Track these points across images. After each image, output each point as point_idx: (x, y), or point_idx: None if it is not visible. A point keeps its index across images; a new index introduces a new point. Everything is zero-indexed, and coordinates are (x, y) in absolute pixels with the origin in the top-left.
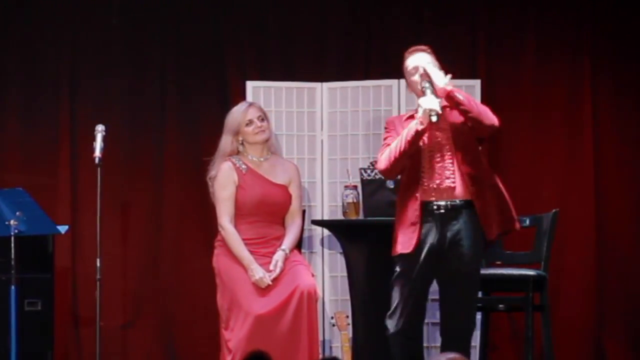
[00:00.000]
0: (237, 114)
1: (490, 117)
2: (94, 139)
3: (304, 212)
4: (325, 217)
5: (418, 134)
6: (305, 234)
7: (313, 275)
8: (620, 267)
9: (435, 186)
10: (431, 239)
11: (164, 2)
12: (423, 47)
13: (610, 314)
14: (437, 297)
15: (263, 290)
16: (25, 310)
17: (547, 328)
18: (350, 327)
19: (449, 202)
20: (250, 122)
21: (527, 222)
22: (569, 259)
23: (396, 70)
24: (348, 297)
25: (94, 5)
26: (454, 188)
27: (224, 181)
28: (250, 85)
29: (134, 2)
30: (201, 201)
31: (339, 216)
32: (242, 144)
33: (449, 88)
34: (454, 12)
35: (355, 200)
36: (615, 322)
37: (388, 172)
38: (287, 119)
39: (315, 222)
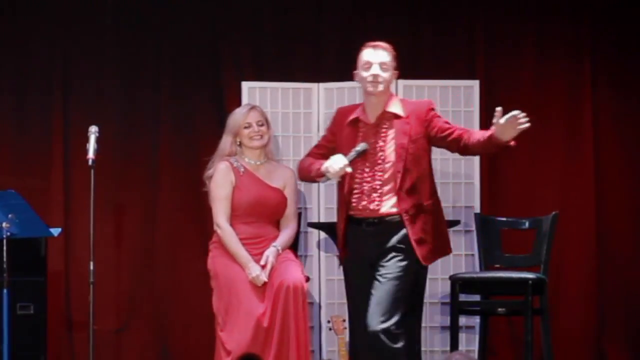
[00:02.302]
0: (238, 115)
1: None
2: (87, 140)
3: (299, 214)
4: (322, 220)
5: (311, 179)
6: (302, 237)
7: (308, 280)
8: (621, 270)
9: (358, 202)
10: (359, 251)
11: (158, 3)
12: (386, 46)
13: (610, 317)
14: (434, 300)
15: (259, 289)
16: (17, 314)
17: (547, 332)
18: (347, 331)
19: (372, 219)
20: (249, 125)
21: (527, 224)
22: (569, 262)
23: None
24: (345, 300)
25: (87, 5)
26: (371, 207)
27: (221, 181)
28: (245, 85)
29: (128, 3)
30: (196, 203)
31: (336, 218)
32: (240, 145)
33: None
34: (451, 11)
35: None
36: (615, 326)
37: (301, 180)
38: (283, 120)
39: (312, 225)
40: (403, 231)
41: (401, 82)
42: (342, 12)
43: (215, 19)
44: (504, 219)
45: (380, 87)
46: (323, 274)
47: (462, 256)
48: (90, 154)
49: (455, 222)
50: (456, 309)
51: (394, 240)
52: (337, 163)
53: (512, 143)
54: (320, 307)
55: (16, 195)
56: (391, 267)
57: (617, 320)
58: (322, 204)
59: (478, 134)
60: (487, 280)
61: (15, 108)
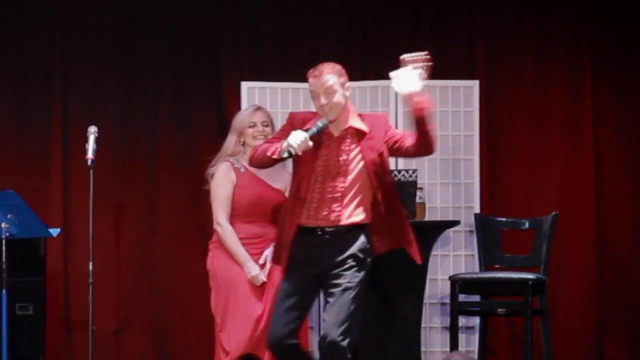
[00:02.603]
0: (244, 114)
1: (436, 142)
2: (86, 140)
3: None
4: None
5: (271, 159)
6: None
7: None
8: (621, 270)
9: (316, 212)
10: (307, 261)
11: (158, 3)
12: (327, 69)
13: (610, 318)
14: (434, 301)
15: (258, 289)
16: (16, 315)
17: (547, 332)
18: None
19: (329, 229)
20: (254, 124)
21: (527, 224)
22: (569, 262)
23: (394, 71)
24: None
25: (86, 5)
26: (332, 217)
27: (222, 179)
28: (245, 85)
29: (127, 2)
30: (195, 203)
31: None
32: (243, 144)
33: (427, 113)
34: (451, 11)
35: None
36: (616, 327)
37: (251, 164)
38: (282, 120)
39: None
40: (361, 240)
41: None
42: (342, 12)
43: (215, 19)
44: (504, 219)
45: (333, 114)
46: None
47: (462, 256)
48: (90, 154)
49: (455, 223)
50: (456, 309)
51: (351, 250)
52: (299, 137)
53: (419, 105)
54: (319, 307)
55: (15, 196)
56: (349, 276)
57: (616, 321)
58: None
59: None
60: (487, 280)
61: (14, 108)
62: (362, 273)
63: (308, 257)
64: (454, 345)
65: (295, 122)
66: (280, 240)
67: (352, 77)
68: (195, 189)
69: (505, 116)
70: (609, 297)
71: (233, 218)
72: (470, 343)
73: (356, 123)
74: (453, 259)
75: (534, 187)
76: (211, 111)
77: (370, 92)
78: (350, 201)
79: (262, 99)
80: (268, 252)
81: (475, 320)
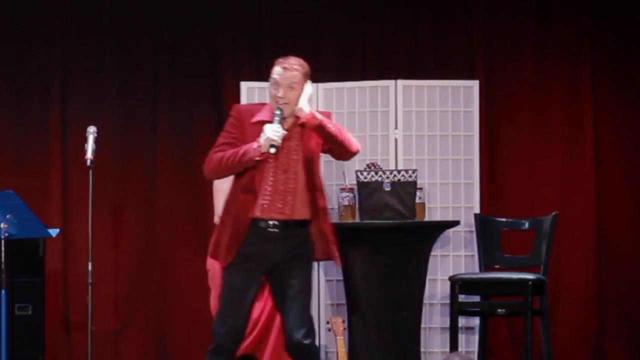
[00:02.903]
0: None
1: (355, 144)
2: (85, 140)
3: None
4: None
5: (252, 162)
6: None
7: None
8: (621, 271)
9: (270, 205)
10: (259, 255)
11: (156, 3)
12: (298, 65)
13: (610, 318)
14: (434, 301)
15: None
16: (15, 315)
17: (547, 333)
18: (347, 332)
19: (282, 222)
20: None
21: (527, 225)
22: (569, 263)
23: (393, 71)
24: (344, 301)
25: (86, 6)
26: (287, 210)
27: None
28: (244, 86)
29: (126, 3)
30: (194, 204)
31: (335, 219)
32: None
33: (319, 119)
34: (451, 11)
35: (351, 203)
36: (616, 327)
37: (211, 177)
38: None
39: None
40: (307, 237)
41: (400, 82)
42: (341, 12)
43: (214, 19)
44: (504, 219)
45: (288, 109)
46: (322, 275)
47: (461, 257)
48: (89, 155)
49: (455, 223)
50: (456, 309)
51: (300, 246)
52: (275, 129)
53: (303, 119)
54: (319, 308)
55: (14, 196)
56: (302, 276)
57: (616, 321)
58: None
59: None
60: (486, 281)
61: (13, 108)
62: (310, 272)
63: (258, 252)
64: (453, 346)
65: (241, 115)
66: (229, 234)
67: (352, 77)
68: (194, 189)
69: (505, 116)
70: (609, 298)
71: None
72: (470, 343)
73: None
74: (453, 259)
75: (533, 187)
76: (210, 111)
77: (370, 92)
78: (301, 196)
79: (261, 99)
80: None
81: (475, 321)
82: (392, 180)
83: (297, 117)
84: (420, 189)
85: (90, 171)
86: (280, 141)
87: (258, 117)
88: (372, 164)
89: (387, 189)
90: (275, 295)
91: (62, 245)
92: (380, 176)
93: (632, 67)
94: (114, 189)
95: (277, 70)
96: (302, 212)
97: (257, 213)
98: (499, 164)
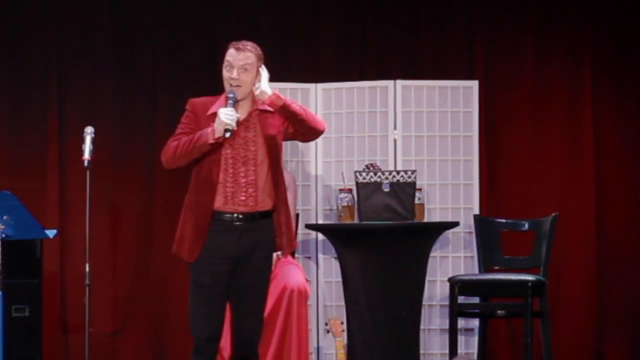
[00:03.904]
0: None
1: (321, 122)
2: (82, 141)
3: (297, 216)
4: (320, 221)
5: (206, 146)
6: (300, 239)
7: (308, 281)
8: (622, 272)
9: (233, 197)
10: (224, 248)
11: (154, 3)
12: (251, 46)
13: (611, 320)
14: (433, 302)
15: None
16: (12, 317)
17: (547, 334)
18: (345, 333)
19: (246, 214)
20: None
21: (526, 226)
22: (569, 264)
23: (392, 71)
24: (343, 303)
25: (83, 5)
26: (250, 202)
27: None
28: None
29: (123, 3)
30: None
31: (334, 220)
32: None
33: (283, 99)
34: (450, 11)
35: (350, 204)
36: (616, 329)
37: (169, 165)
38: None
39: (310, 227)
40: (269, 230)
41: (399, 82)
42: (340, 12)
43: (212, 19)
44: (504, 220)
45: (242, 91)
46: (321, 276)
47: (461, 258)
48: (86, 155)
49: (455, 224)
50: (455, 311)
51: (262, 240)
52: (229, 112)
53: (271, 103)
54: (318, 309)
55: (11, 197)
56: (260, 273)
57: (617, 323)
58: (320, 206)
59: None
60: (486, 282)
61: (10, 109)
62: (270, 268)
63: (222, 245)
64: (453, 348)
65: (196, 108)
66: (191, 229)
67: (351, 77)
68: None
69: (505, 116)
70: (609, 299)
71: None
72: (469, 345)
73: (262, 105)
74: (452, 260)
75: (533, 188)
76: None
77: (369, 93)
78: (263, 186)
79: None
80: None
81: (475, 322)
82: (391, 181)
83: (254, 105)
84: (420, 189)
85: (88, 172)
86: (234, 125)
87: (212, 109)
88: (371, 164)
89: (386, 189)
90: (233, 288)
91: (59, 247)
92: (379, 177)
93: (632, 67)
94: (111, 190)
95: (230, 52)
96: (265, 203)
97: (220, 206)
98: (499, 164)
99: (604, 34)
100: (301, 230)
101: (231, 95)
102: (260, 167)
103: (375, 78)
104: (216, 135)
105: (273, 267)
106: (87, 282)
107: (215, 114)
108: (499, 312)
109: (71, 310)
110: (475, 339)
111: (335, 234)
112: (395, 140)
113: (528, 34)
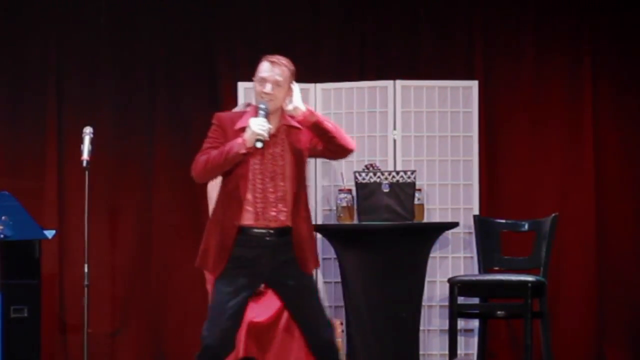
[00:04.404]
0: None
1: (350, 141)
2: (81, 141)
3: None
4: (319, 222)
5: (239, 157)
6: None
7: None
8: (621, 273)
9: (263, 212)
10: (253, 263)
11: (153, 3)
12: (286, 62)
13: (611, 320)
14: (433, 303)
15: (255, 296)
16: (11, 317)
17: (547, 335)
18: (345, 334)
19: (277, 229)
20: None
21: (526, 226)
22: (569, 264)
23: (392, 71)
24: (342, 304)
25: (81, 5)
26: (282, 217)
27: (217, 180)
28: (242, 86)
29: (122, 3)
30: (191, 205)
31: (333, 221)
32: None
33: (316, 116)
34: (450, 11)
35: (349, 204)
36: (616, 329)
37: (200, 179)
38: None
39: None
40: (295, 242)
41: (399, 82)
42: (339, 12)
43: (211, 19)
44: (503, 221)
45: (272, 105)
46: (320, 277)
47: (461, 258)
48: (85, 156)
49: (454, 224)
50: (455, 311)
51: (294, 251)
52: (261, 122)
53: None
54: None
55: (10, 197)
56: (306, 278)
57: (617, 323)
58: (319, 207)
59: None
60: (486, 282)
61: (9, 108)
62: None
63: (250, 261)
64: (452, 348)
65: (223, 122)
66: (216, 243)
67: (350, 77)
68: (191, 190)
69: (505, 117)
70: (609, 300)
71: None
72: (469, 346)
73: (289, 120)
74: (452, 261)
75: (533, 188)
76: (207, 112)
77: (368, 93)
78: (291, 200)
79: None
80: None
81: (475, 323)
82: (391, 181)
83: (282, 121)
84: (419, 190)
85: (87, 172)
86: (266, 135)
87: (240, 124)
88: (371, 164)
89: (386, 190)
90: (288, 303)
91: (58, 247)
92: (379, 177)
93: (632, 67)
94: (110, 190)
95: (264, 66)
96: (292, 218)
97: (250, 221)
98: (499, 164)
99: (604, 34)
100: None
101: (263, 107)
102: (288, 182)
103: (375, 78)
104: (247, 145)
105: None
106: (85, 282)
107: (243, 129)
108: (498, 312)
109: (70, 310)
110: (475, 340)
111: (335, 234)
112: (394, 141)
113: (528, 34)
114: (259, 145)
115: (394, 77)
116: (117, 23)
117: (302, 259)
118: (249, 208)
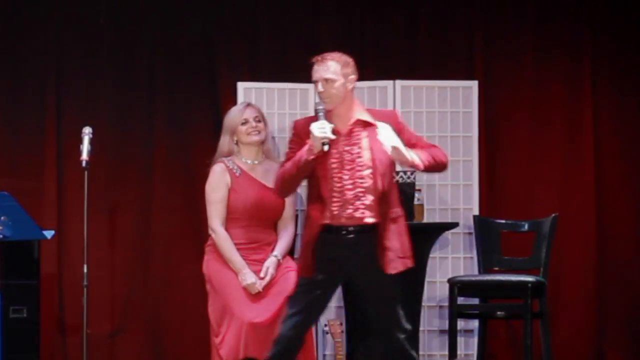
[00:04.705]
0: (234, 112)
1: (445, 160)
2: (80, 141)
3: (296, 217)
4: None
5: (308, 163)
6: (298, 239)
7: None
8: (622, 273)
9: (339, 211)
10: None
11: (153, 3)
12: (331, 56)
13: (611, 321)
14: (433, 303)
15: (255, 297)
16: (10, 318)
17: (547, 335)
18: (344, 335)
19: (356, 227)
20: (246, 121)
21: (526, 226)
22: (569, 265)
23: (392, 71)
24: (342, 304)
25: (81, 6)
26: (359, 215)
27: (215, 183)
28: (241, 86)
29: (122, 3)
30: (191, 205)
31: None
32: (237, 144)
33: (416, 161)
34: (450, 11)
35: None
36: (616, 330)
37: (283, 194)
38: (279, 121)
39: None
40: (375, 240)
41: (399, 82)
42: (339, 12)
43: (211, 19)
44: (503, 221)
45: (330, 102)
46: None
47: (460, 259)
48: (84, 156)
49: (454, 225)
50: (455, 312)
51: (372, 249)
52: (322, 125)
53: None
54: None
55: (9, 197)
56: (386, 278)
57: (617, 324)
58: None
59: (429, 156)
60: (486, 283)
61: (8, 109)
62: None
63: (332, 258)
64: (452, 349)
65: (300, 129)
66: (304, 245)
67: None
68: (190, 191)
69: (505, 117)
70: (609, 300)
71: (229, 222)
72: (469, 346)
73: (363, 116)
74: (452, 261)
75: (533, 188)
76: (207, 112)
77: (368, 93)
78: (370, 198)
79: (258, 100)
80: (269, 264)
81: (474, 323)
82: None
83: (358, 116)
84: (419, 190)
85: (86, 172)
86: (329, 135)
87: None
88: None
89: None
90: (363, 300)
91: (57, 247)
92: None
93: (632, 67)
94: (109, 190)
95: (313, 69)
96: (373, 217)
97: (328, 219)
98: (498, 165)
99: (604, 34)
100: (300, 231)
101: (320, 107)
102: (367, 179)
103: (375, 78)
104: (315, 151)
105: (274, 271)
106: (85, 283)
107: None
108: (498, 313)
109: (69, 311)
110: (474, 340)
111: None
112: None
113: (528, 34)
114: (326, 148)
115: (393, 77)
116: (117, 23)
117: (384, 259)
118: (329, 207)
